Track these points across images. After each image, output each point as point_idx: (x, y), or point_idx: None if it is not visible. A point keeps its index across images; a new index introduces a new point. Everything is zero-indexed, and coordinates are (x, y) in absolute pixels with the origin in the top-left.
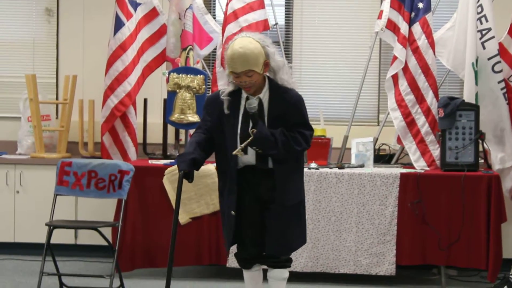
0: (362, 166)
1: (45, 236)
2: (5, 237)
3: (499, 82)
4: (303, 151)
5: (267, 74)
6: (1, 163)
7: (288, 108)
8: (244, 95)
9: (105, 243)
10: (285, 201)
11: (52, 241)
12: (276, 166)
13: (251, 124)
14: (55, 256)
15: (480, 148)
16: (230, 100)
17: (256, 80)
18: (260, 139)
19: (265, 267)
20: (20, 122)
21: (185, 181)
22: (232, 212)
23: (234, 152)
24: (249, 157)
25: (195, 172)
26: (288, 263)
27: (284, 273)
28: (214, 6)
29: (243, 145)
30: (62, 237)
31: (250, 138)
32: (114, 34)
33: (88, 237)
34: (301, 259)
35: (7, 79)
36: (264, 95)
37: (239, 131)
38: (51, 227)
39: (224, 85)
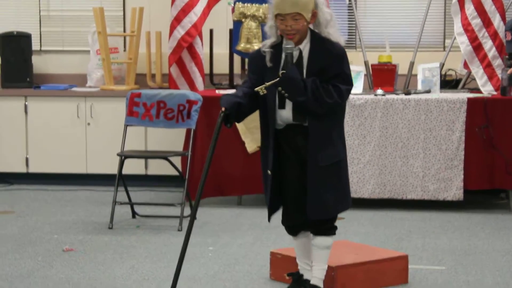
0: (428, 91)
1: (117, 166)
2: (78, 168)
3: None
4: (335, 105)
5: (312, 27)
6: (72, 96)
7: (328, 60)
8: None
9: (175, 173)
10: (319, 161)
11: (123, 171)
12: (311, 121)
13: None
14: (127, 186)
15: None
16: (272, 52)
17: (301, 27)
18: (288, 80)
19: None
20: (89, 55)
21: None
22: (269, 171)
23: (256, 89)
24: (287, 112)
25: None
26: (331, 230)
27: (327, 241)
28: None
29: (268, 83)
30: (133, 167)
31: (278, 79)
32: None
33: (158, 167)
34: (368, 186)
35: (75, 13)
36: (305, 46)
37: None
38: (123, 157)
39: None
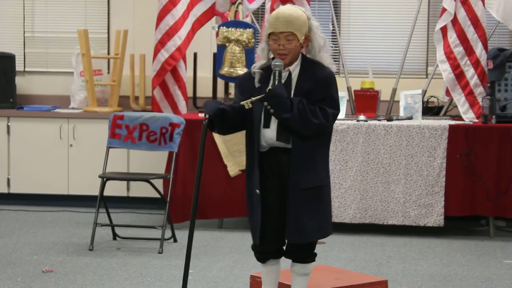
0: (410, 118)
1: (98, 188)
2: (59, 189)
3: None
4: (320, 127)
5: (305, 51)
6: (55, 117)
7: (316, 83)
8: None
9: (157, 195)
10: (300, 182)
11: (105, 193)
12: (294, 142)
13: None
14: (108, 208)
15: None
16: (261, 73)
17: (294, 47)
18: (274, 96)
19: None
20: (72, 76)
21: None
22: (257, 190)
23: (242, 102)
24: (271, 132)
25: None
26: (310, 258)
27: (306, 268)
28: None
29: (254, 98)
30: (114, 189)
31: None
32: None
33: (140, 189)
34: (349, 211)
35: (59, 35)
36: (295, 69)
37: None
38: (104, 179)
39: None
